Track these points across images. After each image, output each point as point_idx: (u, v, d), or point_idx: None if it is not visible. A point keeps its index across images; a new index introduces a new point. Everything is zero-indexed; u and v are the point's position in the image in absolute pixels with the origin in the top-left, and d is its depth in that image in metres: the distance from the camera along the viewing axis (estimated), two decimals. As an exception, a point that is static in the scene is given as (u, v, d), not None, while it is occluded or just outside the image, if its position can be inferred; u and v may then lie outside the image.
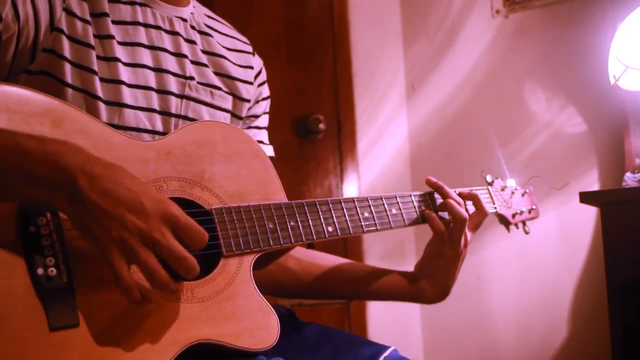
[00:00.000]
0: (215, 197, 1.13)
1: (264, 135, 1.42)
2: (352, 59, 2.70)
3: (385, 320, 2.68)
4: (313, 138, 2.58)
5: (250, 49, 1.42)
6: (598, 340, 2.27)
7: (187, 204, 1.09)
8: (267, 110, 1.44)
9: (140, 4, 1.20)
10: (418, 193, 1.36)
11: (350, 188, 2.63)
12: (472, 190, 1.44)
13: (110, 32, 1.15)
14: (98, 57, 1.13)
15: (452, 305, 2.69)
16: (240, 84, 1.34)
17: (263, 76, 1.43)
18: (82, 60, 1.11)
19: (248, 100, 1.36)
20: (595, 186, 2.36)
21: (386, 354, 1.20)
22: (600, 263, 1.96)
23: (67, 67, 1.09)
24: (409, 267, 1.42)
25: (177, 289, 0.97)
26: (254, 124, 1.39)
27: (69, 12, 1.11)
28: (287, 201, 1.19)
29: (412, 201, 1.34)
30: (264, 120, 1.42)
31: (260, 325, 1.08)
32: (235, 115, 1.33)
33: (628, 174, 2.11)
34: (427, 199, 1.36)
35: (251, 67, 1.39)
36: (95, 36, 1.13)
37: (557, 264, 2.44)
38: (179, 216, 0.95)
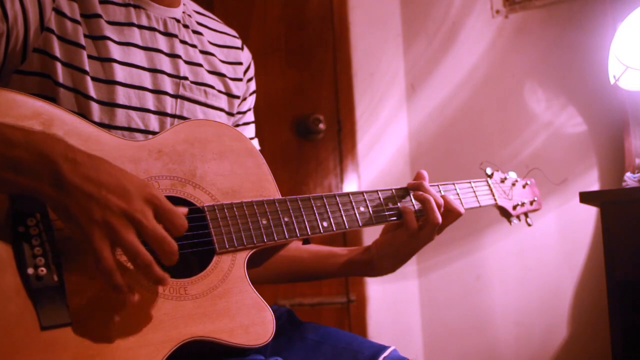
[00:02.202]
0: (207, 195, 1.13)
1: (251, 130, 1.43)
2: (352, 59, 2.71)
3: (385, 320, 2.68)
4: (313, 138, 2.58)
5: (239, 43, 1.42)
6: (598, 340, 2.26)
7: (179, 202, 1.09)
8: (252, 105, 1.45)
9: (134, 6, 1.21)
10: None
11: (351, 188, 2.63)
12: (470, 182, 1.43)
13: (104, 33, 1.15)
14: (90, 57, 1.13)
15: (452, 305, 2.69)
16: (230, 81, 1.35)
17: (251, 71, 1.43)
18: (73, 60, 1.11)
19: (238, 97, 1.37)
20: (595, 186, 2.36)
21: (386, 354, 1.20)
22: (600, 263, 1.96)
23: (59, 67, 1.09)
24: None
25: (161, 276, 0.95)
26: (241, 121, 1.40)
27: (58, 12, 1.11)
28: (280, 197, 1.19)
29: (410, 194, 1.34)
30: (250, 116, 1.43)
31: (255, 321, 1.07)
32: (228, 113, 1.34)
33: (628, 174, 2.11)
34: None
35: (240, 63, 1.39)
36: (86, 36, 1.14)
37: (557, 264, 2.44)
38: (161, 199, 0.95)
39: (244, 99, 1.40)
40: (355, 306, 2.60)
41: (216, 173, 1.15)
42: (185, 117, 1.24)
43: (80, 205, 0.90)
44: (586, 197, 1.96)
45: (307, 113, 2.56)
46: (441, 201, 1.31)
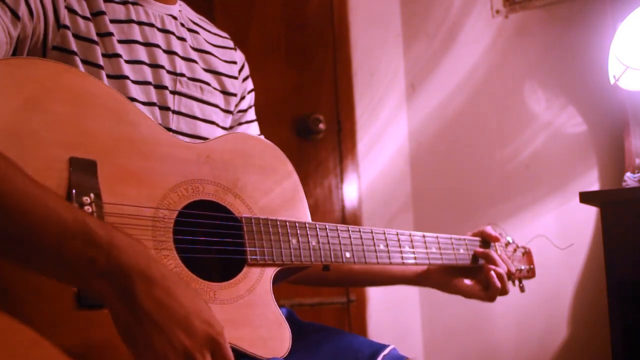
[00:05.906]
0: (245, 206, 1.15)
1: (256, 128, 1.45)
2: (352, 59, 2.70)
3: (385, 320, 2.68)
4: (313, 138, 2.58)
5: (231, 44, 1.45)
6: (598, 340, 2.27)
7: (218, 209, 1.12)
8: (252, 103, 1.47)
9: (133, 3, 1.23)
10: (446, 236, 1.45)
11: (350, 188, 2.63)
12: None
13: (109, 30, 1.17)
14: (101, 54, 1.14)
15: (452, 305, 2.69)
16: (226, 79, 1.37)
17: (246, 70, 1.46)
18: (89, 56, 1.12)
19: (235, 95, 1.39)
20: (595, 186, 2.36)
21: (385, 352, 1.20)
22: (600, 263, 1.96)
23: (78, 62, 1.11)
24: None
25: None
26: (243, 119, 1.42)
27: (70, 10, 1.12)
28: (311, 221, 1.22)
29: (438, 242, 1.43)
30: (251, 114, 1.45)
31: (273, 336, 1.09)
32: (224, 110, 1.36)
33: (628, 174, 2.11)
34: (467, 243, 1.50)
35: (234, 62, 1.42)
36: (96, 34, 1.15)
37: (557, 264, 2.44)
38: (223, 345, 0.91)
39: (243, 98, 1.42)
40: (355, 306, 2.60)
41: (255, 187, 1.18)
42: (184, 112, 1.25)
43: (145, 332, 0.86)
44: (586, 197, 1.96)
45: (307, 113, 2.55)
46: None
